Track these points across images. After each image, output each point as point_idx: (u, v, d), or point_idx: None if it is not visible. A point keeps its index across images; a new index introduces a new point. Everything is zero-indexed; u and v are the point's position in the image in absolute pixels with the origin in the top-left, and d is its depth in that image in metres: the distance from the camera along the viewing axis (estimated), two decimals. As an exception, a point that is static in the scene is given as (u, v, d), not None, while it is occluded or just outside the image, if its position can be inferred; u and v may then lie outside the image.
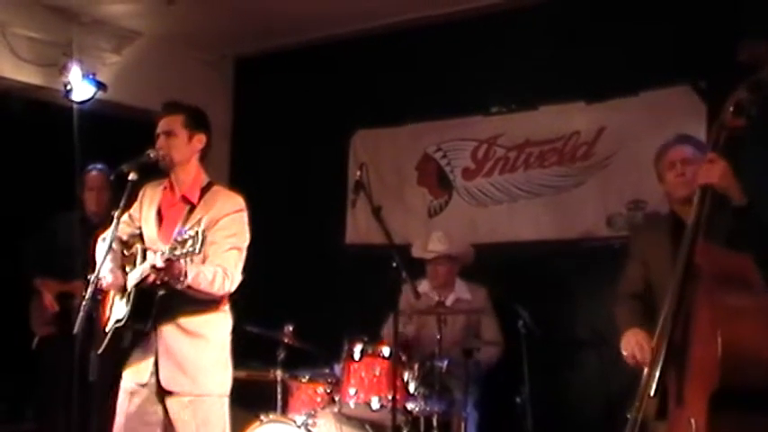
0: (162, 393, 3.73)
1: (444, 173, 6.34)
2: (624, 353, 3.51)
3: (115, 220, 3.67)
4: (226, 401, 3.84)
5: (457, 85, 6.22)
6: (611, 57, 5.55)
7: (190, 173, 3.89)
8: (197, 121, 3.89)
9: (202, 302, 3.72)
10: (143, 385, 3.74)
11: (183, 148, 3.83)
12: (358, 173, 4.53)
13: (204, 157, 3.94)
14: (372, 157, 6.42)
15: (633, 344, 3.46)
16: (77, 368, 3.72)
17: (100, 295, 3.70)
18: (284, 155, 7.01)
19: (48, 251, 5.61)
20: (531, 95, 5.92)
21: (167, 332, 3.71)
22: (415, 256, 5.54)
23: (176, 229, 3.53)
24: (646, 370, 3.22)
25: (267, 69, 7.33)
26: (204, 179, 3.92)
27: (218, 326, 3.84)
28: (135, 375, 3.77)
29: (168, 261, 3.39)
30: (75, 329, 3.42)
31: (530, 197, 5.92)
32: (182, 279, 3.49)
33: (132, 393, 3.76)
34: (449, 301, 5.40)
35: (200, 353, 3.75)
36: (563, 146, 5.79)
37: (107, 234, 3.77)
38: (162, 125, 3.86)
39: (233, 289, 3.75)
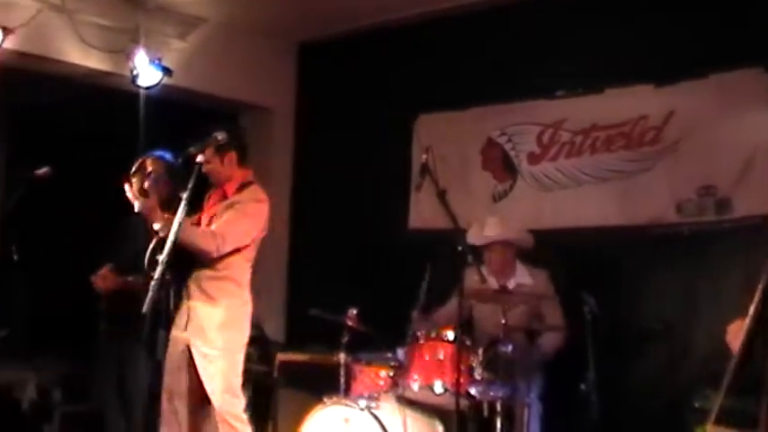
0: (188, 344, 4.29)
1: (509, 157, 6.26)
2: (727, 337, 3.39)
3: (183, 202, 3.70)
4: (232, 358, 4.34)
5: (521, 69, 6.14)
6: (680, 38, 5.42)
7: (233, 178, 4.48)
8: (224, 143, 4.34)
9: (218, 274, 4.31)
10: (177, 336, 4.30)
11: (219, 170, 4.40)
12: (424, 156, 4.49)
13: (242, 162, 4.47)
14: (436, 142, 6.31)
15: (731, 331, 3.31)
16: (146, 348, 3.78)
17: (168, 275, 3.75)
18: (347, 140, 7.00)
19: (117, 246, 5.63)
20: (597, 78, 5.80)
21: (193, 293, 4.33)
22: (470, 243, 5.48)
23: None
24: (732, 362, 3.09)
25: (331, 54, 7.32)
26: (245, 178, 4.49)
27: (230, 294, 4.38)
28: (175, 327, 4.31)
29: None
30: (145, 308, 3.48)
31: (596, 182, 5.82)
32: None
33: (173, 342, 4.29)
34: (511, 285, 5.35)
35: (211, 313, 4.30)
36: (630, 130, 5.67)
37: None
38: None
39: (223, 249, 4.22)
